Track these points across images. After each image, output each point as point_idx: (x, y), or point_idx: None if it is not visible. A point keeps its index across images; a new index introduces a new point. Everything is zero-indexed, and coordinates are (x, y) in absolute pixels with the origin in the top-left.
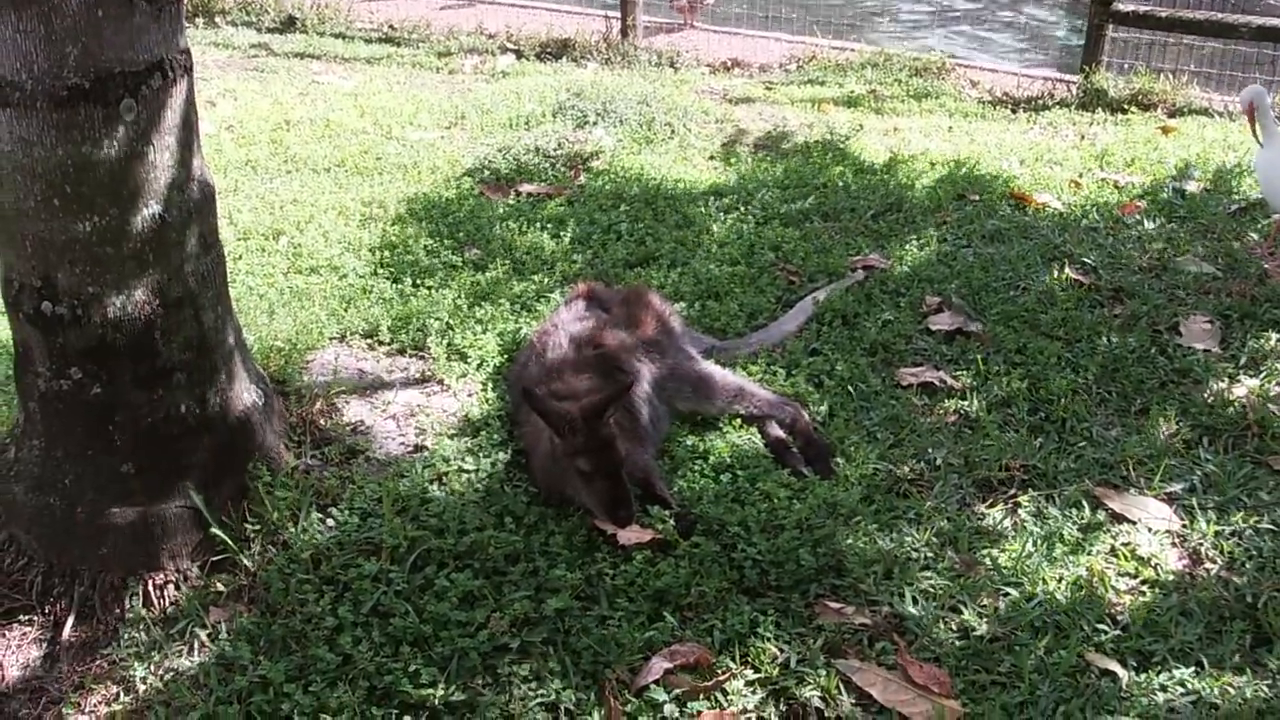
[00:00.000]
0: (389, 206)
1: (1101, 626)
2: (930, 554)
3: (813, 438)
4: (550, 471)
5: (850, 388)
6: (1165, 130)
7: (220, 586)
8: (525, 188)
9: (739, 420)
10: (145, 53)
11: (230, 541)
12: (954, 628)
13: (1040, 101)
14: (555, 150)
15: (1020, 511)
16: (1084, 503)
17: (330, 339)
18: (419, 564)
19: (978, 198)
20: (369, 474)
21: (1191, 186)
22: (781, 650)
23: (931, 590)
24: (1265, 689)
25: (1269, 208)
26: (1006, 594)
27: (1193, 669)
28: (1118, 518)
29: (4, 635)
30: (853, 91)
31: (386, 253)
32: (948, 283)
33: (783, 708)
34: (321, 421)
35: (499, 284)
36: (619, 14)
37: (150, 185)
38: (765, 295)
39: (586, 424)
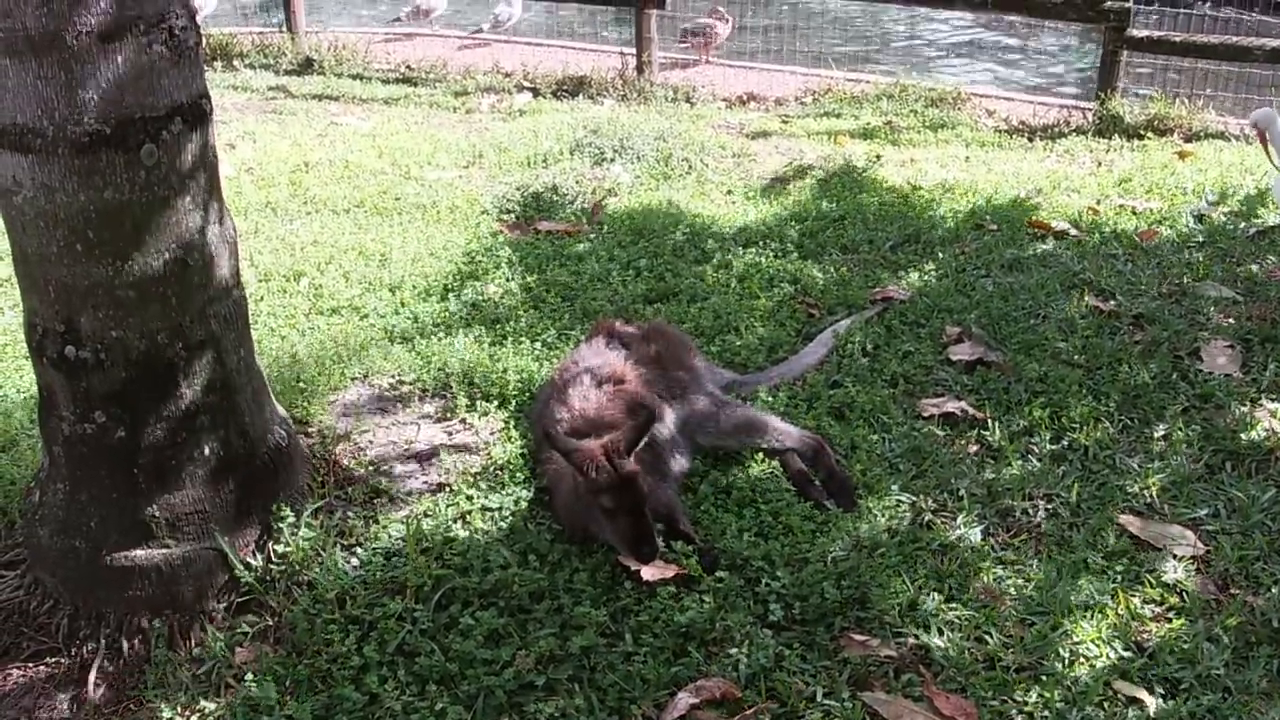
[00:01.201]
0: (409, 247)
1: (1128, 654)
2: (955, 585)
3: (835, 470)
4: (573, 509)
5: (872, 420)
6: (1182, 155)
7: (246, 627)
8: (544, 225)
9: (761, 454)
10: (165, 98)
11: (255, 582)
12: (980, 658)
13: (1057, 129)
14: (573, 187)
15: (1044, 541)
16: (1108, 531)
17: (352, 379)
18: (444, 602)
19: (996, 227)
20: (392, 513)
21: (1209, 211)
22: (807, 684)
23: (957, 621)
24: None
25: None
26: (1032, 624)
27: (1220, 695)
28: (1142, 545)
29: (31, 678)
30: (869, 123)
31: (407, 293)
32: (967, 313)
33: None
34: (345, 461)
35: (519, 322)
36: (634, 51)
37: (172, 229)
38: (785, 329)
39: (610, 461)
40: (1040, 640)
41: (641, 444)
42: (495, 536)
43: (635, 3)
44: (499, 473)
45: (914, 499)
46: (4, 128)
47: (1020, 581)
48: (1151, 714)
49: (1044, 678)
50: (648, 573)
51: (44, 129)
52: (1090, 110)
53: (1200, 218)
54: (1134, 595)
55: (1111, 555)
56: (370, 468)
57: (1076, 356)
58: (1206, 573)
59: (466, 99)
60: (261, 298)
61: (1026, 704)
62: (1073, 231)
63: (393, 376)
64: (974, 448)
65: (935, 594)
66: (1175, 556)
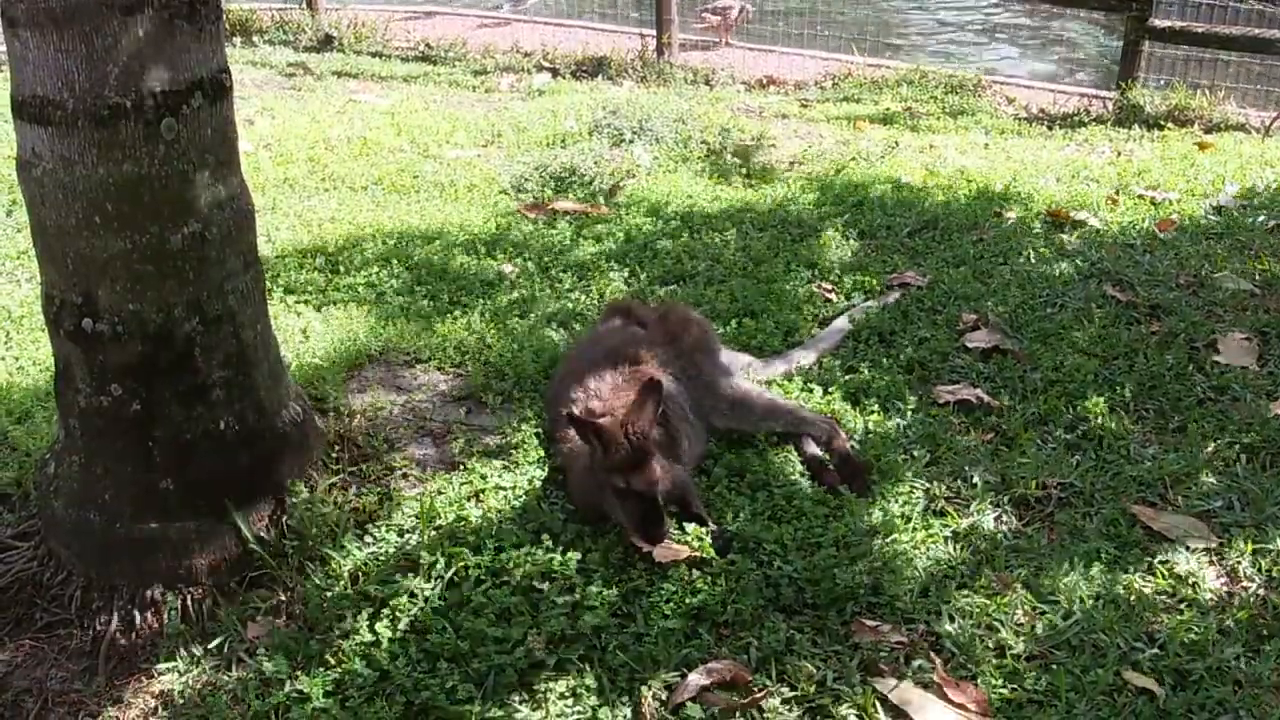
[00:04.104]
0: (426, 225)
1: (1139, 645)
2: (967, 572)
3: (849, 455)
4: (587, 489)
5: (887, 405)
6: (1202, 146)
7: (258, 602)
8: (562, 205)
9: (775, 438)
10: (186, 72)
11: (268, 557)
12: (991, 646)
13: (1076, 118)
14: (592, 168)
15: (1057, 529)
16: (1121, 521)
17: (368, 357)
18: (456, 581)
19: (1014, 215)
20: (406, 491)
21: (1228, 202)
22: (818, 668)
23: (968, 608)
24: None
25: None
26: (1043, 612)
27: (1231, 688)
28: (1155, 536)
29: (43, 649)
30: (888, 109)
31: (424, 270)
32: (984, 300)
33: None
34: (359, 439)
35: (536, 301)
36: (654, 32)
37: (190, 203)
38: (801, 313)
39: (628, 440)
40: (1051, 629)
41: (656, 420)
42: (508, 515)
43: None
44: (513, 452)
45: (928, 485)
46: (24, 100)
47: (1032, 570)
48: (1161, 705)
49: (1054, 667)
50: (660, 554)
51: (64, 101)
52: (1110, 99)
53: (1219, 209)
54: (1146, 586)
55: (1124, 545)
56: (385, 445)
57: (1093, 346)
58: (1219, 565)
59: (486, 78)
60: (278, 274)
61: (1036, 693)
62: (1091, 221)
63: (408, 354)
64: (989, 435)
65: (947, 581)
66: (1188, 548)
